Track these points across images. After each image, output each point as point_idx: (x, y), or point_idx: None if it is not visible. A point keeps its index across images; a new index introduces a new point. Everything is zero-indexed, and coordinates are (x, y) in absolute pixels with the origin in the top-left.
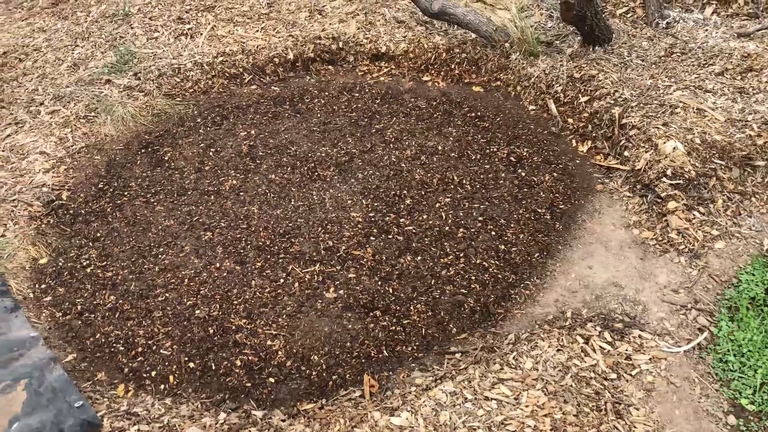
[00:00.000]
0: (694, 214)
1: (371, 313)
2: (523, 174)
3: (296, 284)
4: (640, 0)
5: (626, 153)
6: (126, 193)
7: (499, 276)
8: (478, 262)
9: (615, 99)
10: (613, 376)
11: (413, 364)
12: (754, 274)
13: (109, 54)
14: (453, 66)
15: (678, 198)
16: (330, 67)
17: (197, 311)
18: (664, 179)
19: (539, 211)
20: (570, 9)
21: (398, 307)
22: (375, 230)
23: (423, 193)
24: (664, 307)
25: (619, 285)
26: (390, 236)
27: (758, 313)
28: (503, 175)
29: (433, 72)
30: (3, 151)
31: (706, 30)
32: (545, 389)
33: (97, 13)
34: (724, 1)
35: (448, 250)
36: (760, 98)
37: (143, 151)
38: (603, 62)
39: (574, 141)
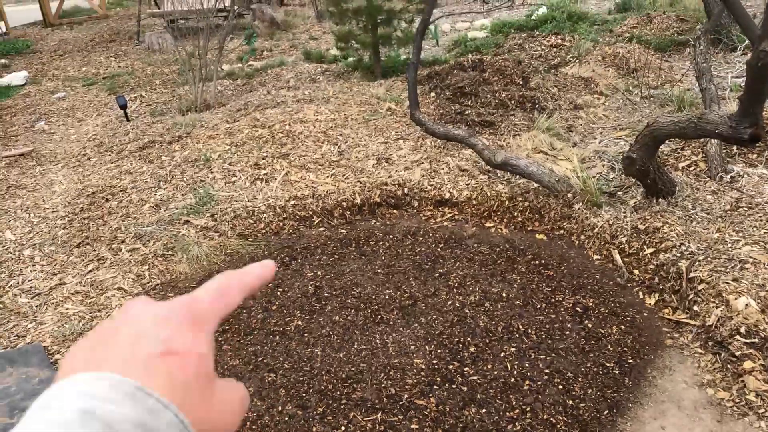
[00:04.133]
0: None
1: None
2: (590, 325)
3: None
4: (702, 154)
5: (696, 308)
6: None
7: None
8: (545, 417)
9: (681, 252)
10: None
11: None
12: None
13: (189, 196)
14: (516, 213)
15: (754, 358)
16: (395, 211)
17: None
18: (737, 337)
19: (607, 365)
20: (633, 163)
21: None
22: (438, 379)
23: (487, 341)
24: None
25: None
26: (454, 386)
27: None
28: (569, 325)
29: (495, 219)
30: (84, 285)
31: None
32: None
33: (180, 158)
34: None
35: (513, 403)
36: None
37: None
38: (667, 215)
39: (640, 293)
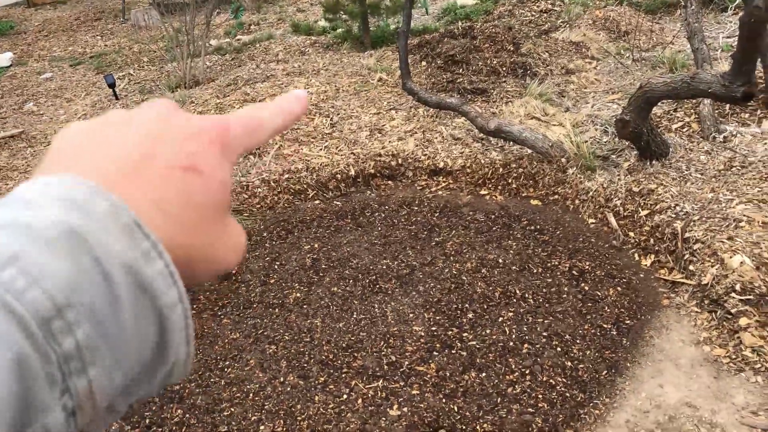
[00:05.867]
0: None
1: None
2: (587, 288)
3: (359, 400)
4: (695, 115)
5: (691, 267)
6: (195, 306)
7: (567, 394)
8: (544, 379)
9: (676, 213)
10: None
11: None
12: None
13: None
14: (510, 180)
15: (749, 314)
16: (390, 182)
17: (262, 427)
18: (733, 295)
19: (605, 326)
20: (626, 126)
21: (464, 426)
22: (438, 345)
23: (485, 306)
24: (743, 430)
25: (693, 405)
26: (453, 351)
27: None
28: (566, 289)
29: (490, 186)
30: None
31: (765, 143)
32: None
33: None
34: None
35: (513, 366)
36: None
37: None
38: (661, 176)
39: (636, 255)
